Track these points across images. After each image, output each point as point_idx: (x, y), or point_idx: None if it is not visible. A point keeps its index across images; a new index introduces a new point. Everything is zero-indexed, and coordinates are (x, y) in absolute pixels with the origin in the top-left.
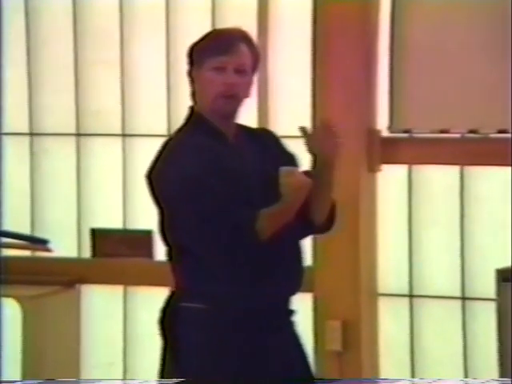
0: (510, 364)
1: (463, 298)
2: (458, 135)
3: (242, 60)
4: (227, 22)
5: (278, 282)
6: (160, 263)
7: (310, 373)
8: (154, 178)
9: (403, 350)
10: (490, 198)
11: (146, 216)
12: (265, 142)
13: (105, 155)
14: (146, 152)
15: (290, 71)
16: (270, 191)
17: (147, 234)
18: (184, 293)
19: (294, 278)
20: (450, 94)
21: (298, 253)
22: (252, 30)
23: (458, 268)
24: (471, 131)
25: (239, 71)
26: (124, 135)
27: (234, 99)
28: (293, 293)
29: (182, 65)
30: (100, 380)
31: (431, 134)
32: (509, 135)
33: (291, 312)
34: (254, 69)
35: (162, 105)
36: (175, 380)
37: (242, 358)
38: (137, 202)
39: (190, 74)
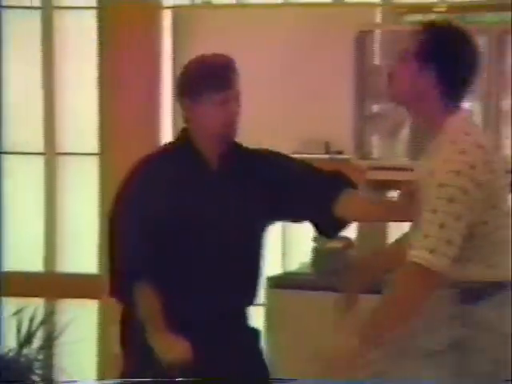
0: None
1: None
2: None
3: (238, 88)
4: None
5: (223, 295)
6: None
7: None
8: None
9: None
10: None
11: None
12: (260, 164)
13: None
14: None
15: (79, 92)
16: (234, 229)
17: None
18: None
19: (242, 290)
20: None
21: (250, 265)
22: None
23: None
24: None
25: (236, 99)
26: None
27: (237, 125)
28: (240, 305)
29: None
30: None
31: None
32: None
33: (240, 323)
34: None
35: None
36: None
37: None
38: None
39: (181, 101)
